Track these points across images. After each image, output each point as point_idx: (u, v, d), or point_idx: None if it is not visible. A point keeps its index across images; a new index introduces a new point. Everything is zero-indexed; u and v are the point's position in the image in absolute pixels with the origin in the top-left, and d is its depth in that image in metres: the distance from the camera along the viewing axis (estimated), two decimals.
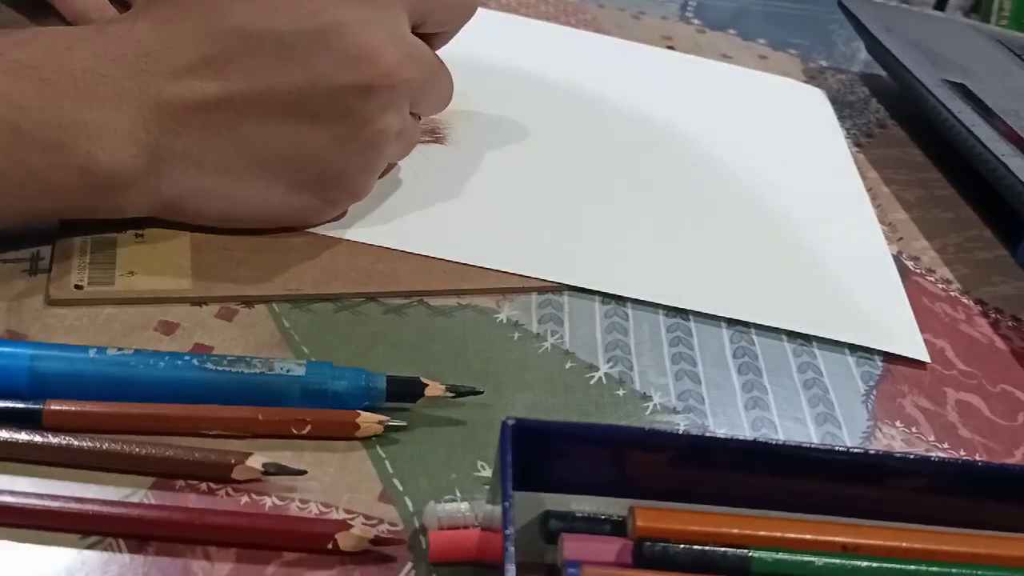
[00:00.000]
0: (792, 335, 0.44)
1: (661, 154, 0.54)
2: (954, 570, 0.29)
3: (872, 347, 0.44)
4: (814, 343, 0.44)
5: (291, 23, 0.37)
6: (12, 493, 0.30)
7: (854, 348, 0.44)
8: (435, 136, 0.50)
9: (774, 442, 0.31)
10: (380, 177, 0.44)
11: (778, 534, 0.29)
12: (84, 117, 0.35)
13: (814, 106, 0.64)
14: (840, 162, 0.58)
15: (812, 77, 0.68)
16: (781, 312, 0.44)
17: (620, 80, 0.61)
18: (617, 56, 0.65)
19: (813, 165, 0.57)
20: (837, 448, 0.31)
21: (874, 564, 0.29)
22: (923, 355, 0.44)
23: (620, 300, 0.44)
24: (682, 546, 0.28)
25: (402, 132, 0.42)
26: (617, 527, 0.30)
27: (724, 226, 0.50)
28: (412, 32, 0.42)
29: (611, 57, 0.64)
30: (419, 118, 0.45)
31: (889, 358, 0.44)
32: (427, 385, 0.36)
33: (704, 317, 0.44)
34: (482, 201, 0.47)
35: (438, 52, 0.44)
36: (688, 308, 0.44)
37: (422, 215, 0.45)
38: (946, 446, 0.40)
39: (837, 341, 0.44)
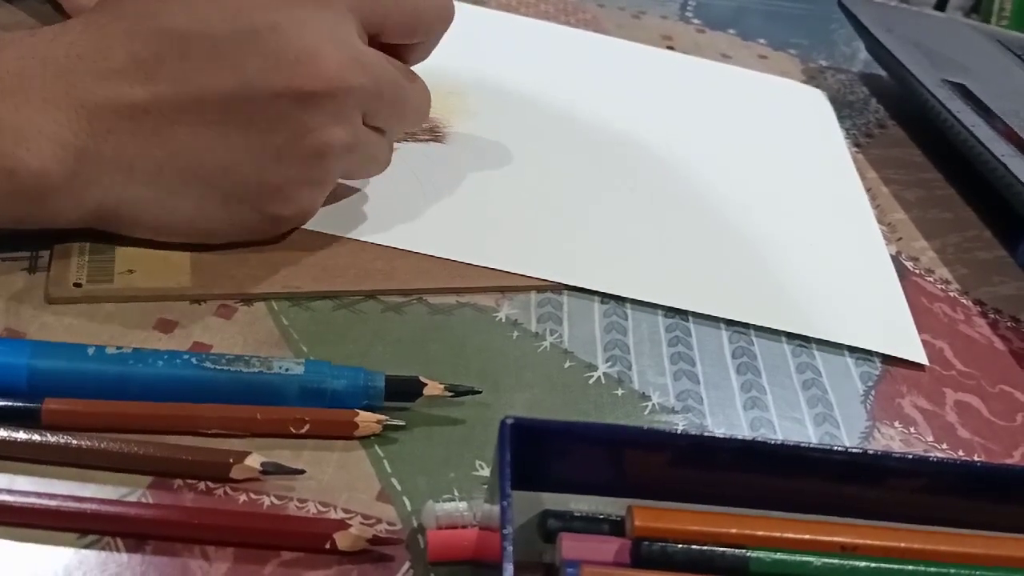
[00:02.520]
0: (791, 336, 0.44)
1: (661, 155, 0.54)
2: (952, 570, 0.29)
3: (870, 349, 0.44)
4: (813, 344, 0.44)
5: (223, 24, 0.36)
6: (10, 492, 0.30)
7: (853, 349, 0.44)
8: (434, 135, 0.50)
9: (772, 442, 0.31)
10: (336, 199, 0.43)
11: (776, 534, 0.29)
12: (8, 118, 0.34)
13: (814, 107, 0.64)
14: (840, 163, 0.58)
15: (812, 77, 0.68)
16: (779, 314, 0.44)
17: (620, 80, 0.61)
18: (617, 56, 0.65)
19: (813, 166, 0.57)
20: (836, 448, 0.31)
21: (872, 564, 0.29)
22: (921, 358, 0.44)
23: (619, 300, 0.44)
24: (680, 546, 0.28)
25: (353, 145, 0.39)
26: (615, 527, 0.30)
27: (723, 227, 0.50)
28: (373, 42, 0.40)
29: (611, 57, 0.64)
30: (381, 132, 0.42)
31: (888, 360, 0.44)
32: (426, 384, 0.36)
33: (703, 317, 0.44)
34: (481, 200, 0.47)
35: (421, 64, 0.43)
36: (686, 309, 0.44)
37: (421, 214, 0.45)
38: (945, 446, 0.40)
39: (835, 343, 0.44)
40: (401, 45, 0.42)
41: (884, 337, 0.44)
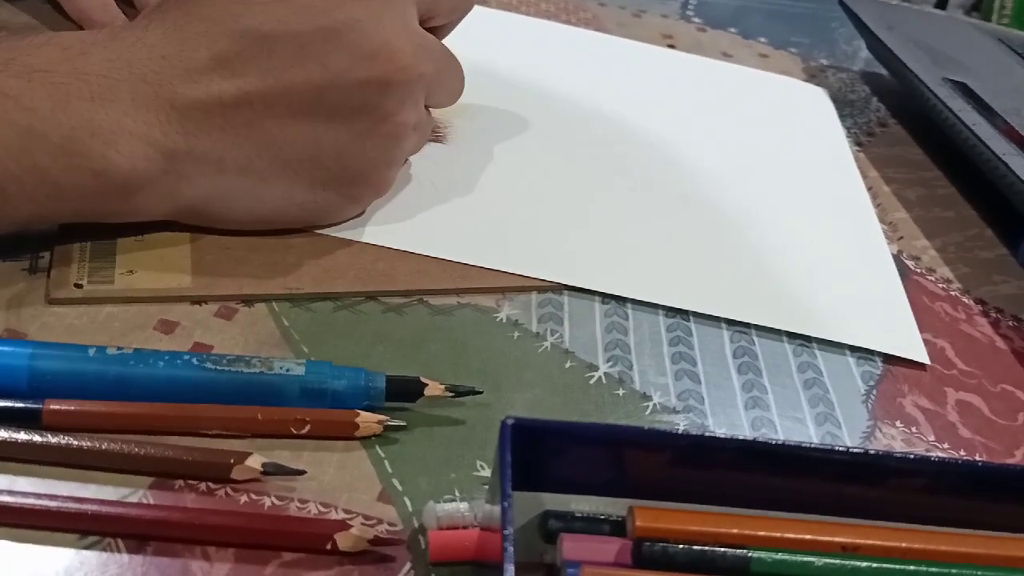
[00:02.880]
0: (792, 336, 0.44)
1: (661, 154, 0.54)
2: (954, 570, 0.29)
3: (872, 348, 0.44)
4: (814, 344, 0.43)
5: (306, 22, 0.38)
6: (11, 493, 0.30)
7: (854, 349, 0.44)
8: (435, 135, 0.50)
9: (774, 442, 0.31)
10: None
11: (777, 534, 0.29)
12: (98, 120, 0.35)
13: (816, 105, 0.64)
14: (841, 162, 0.58)
15: (813, 75, 0.68)
16: (781, 313, 0.44)
17: (621, 80, 0.61)
18: (618, 55, 0.65)
19: (814, 165, 0.57)
20: (837, 448, 0.31)
21: (873, 564, 0.29)
22: (923, 357, 0.44)
23: (620, 300, 0.44)
24: (681, 546, 0.28)
25: (418, 125, 0.43)
26: (616, 527, 0.30)
27: (724, 226, 0.50)
28: (423, 25, 0.42)
29: (612, 56, 0.64)
30: (429, 116, 0.46)
31: (889, 359, 0.44)
32: (427, 385, 0.36)
33: (704, 317, 0.44)
34: (482, 200, 0.47)
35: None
36: (687, 309, 0.44)
37: (421, 215, 0.45)
38: (946, 446, 0.40)
39: (837, 343, 0.44)
40: (437, 26, 0.45)
41: (886, 336, 0.44)
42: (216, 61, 0.37)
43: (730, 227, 0.50)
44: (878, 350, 0.44)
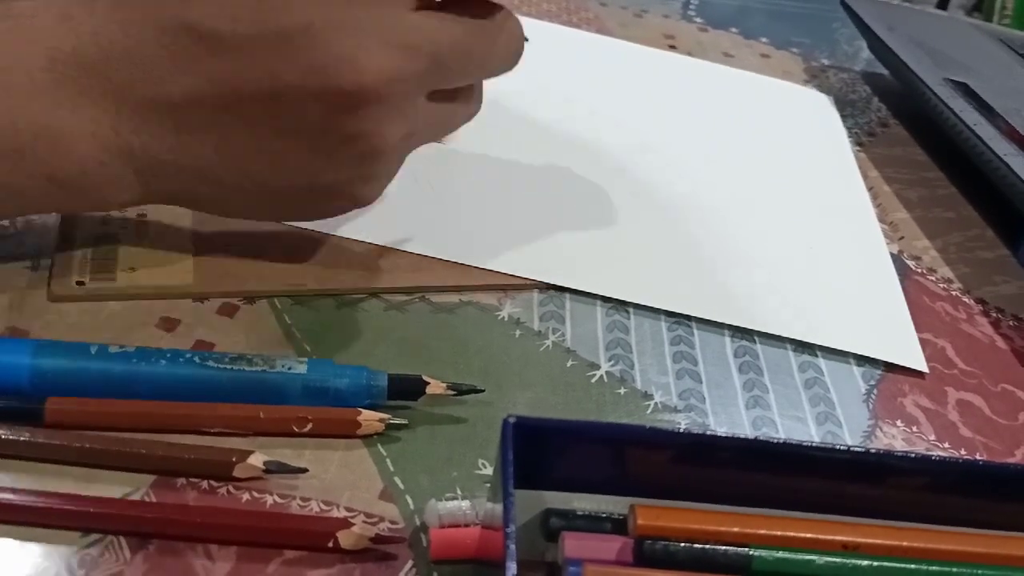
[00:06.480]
0: (793, 341, 0.44)
1: (663, 158, 0.54)
2: (954, 569, 0.29)
3: (870, 356, 0.44)
4: (817, 350, 0.43)
5: (254, 23, 0.33)
6: (13, 491, 0.30)
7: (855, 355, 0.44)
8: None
9: (775, 441, 0.31)
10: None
11: (779, 533, 0.29)
12: (42, 121, 0.33)
13: (819, 111, 0.64)
14: (844, 168, 0.58)
15: (814, 76, 0.68)
16: (780, 320, 0.44)
17: (622, 82, 0.61)
18: (620, 58, 0.65)
19: (817, 171, 0.57)
20: (838, 447, 0.31)
21: (874, 563, 0.29)
22: (922, 365, 0.44)
23: (621, 302, 0.44)
24: (683, 544, 0.28)
25: (412, 133, 0.37)
26: (618, 525, 0.30)
27: (724, 232, 0.50)
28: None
29: (614, 59, 0.64)
30: (453, 97, 0.39)
31: (889, 365, 0.44)
32: (428, 383, 0.36)
33: (705, 321, 0.44)
34: (481, 202, 0.47)
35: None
36: (687, 313, 0.44)
37: (422, 215, 0.45)
38: (947, 445, 0.40)
39: (837, 350, 0.44)
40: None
41: (885, 344, 0.44)
42: (165, 56, 0.33)
43: (730, 232, 0.50)
44: (877, 358, 0.44)
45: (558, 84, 0.59)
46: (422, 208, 0.46)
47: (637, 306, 0.43)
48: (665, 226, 0.49)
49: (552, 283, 0.43)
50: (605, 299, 0.43)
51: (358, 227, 0.43)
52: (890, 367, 0.43)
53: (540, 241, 0.46)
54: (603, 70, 0.62)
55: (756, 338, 0.43)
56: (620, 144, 0.55)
